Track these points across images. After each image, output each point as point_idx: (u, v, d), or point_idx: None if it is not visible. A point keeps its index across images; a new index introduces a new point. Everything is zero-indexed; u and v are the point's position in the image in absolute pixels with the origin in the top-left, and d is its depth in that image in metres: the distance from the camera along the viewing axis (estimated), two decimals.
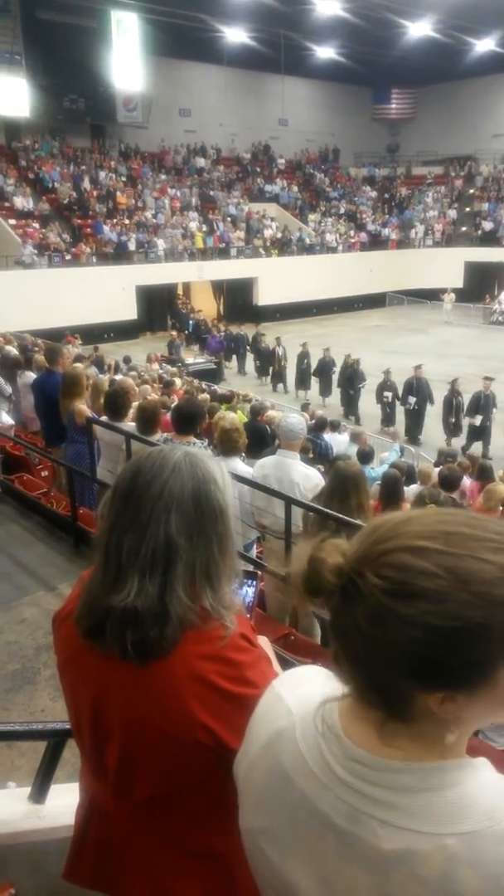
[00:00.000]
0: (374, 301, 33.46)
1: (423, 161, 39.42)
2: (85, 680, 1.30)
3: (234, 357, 22.84)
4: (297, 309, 30.10)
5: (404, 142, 41.14)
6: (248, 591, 1.79)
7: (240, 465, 5.10)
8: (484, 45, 31.44)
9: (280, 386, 20.17)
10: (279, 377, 20.27)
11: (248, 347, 22.44)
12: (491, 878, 0.73)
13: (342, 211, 36.49)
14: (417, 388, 15.18)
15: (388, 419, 16.21)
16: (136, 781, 1.26)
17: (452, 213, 36.60)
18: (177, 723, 1.20)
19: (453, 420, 14.71)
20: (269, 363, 20.80)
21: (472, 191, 37.14)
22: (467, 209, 36.37)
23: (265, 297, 30.13)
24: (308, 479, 4.77)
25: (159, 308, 28.36)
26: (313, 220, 34.74)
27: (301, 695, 0.97)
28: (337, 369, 18.09)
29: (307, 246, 32.37)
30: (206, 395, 11.14)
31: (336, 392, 18.11)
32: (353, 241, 34.31)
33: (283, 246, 31.57)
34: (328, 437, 10.02)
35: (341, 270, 32.08)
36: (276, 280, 29.76)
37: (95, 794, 1.37)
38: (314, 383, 18.89)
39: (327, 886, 0.82)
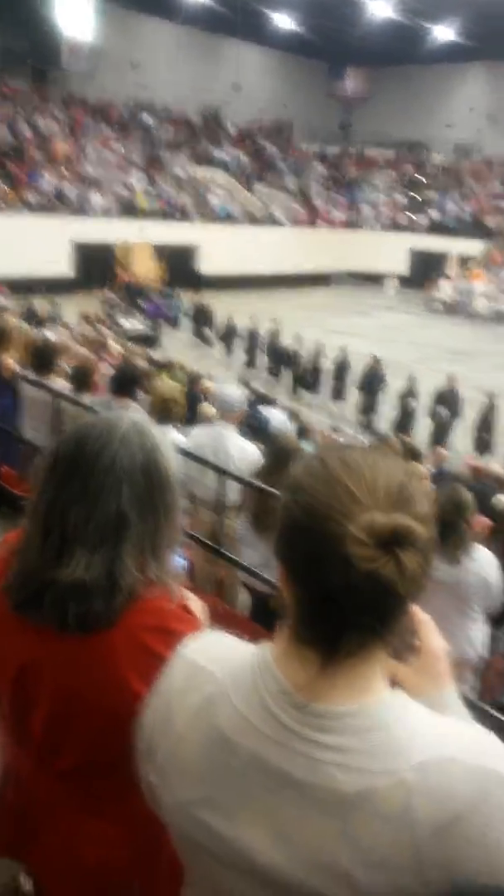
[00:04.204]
0: (318, 280, 33.39)
1: (376, 142, 39.32)
2: (11, 649, 1.26)
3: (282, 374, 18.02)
4: (240, 281, 29.68)
5: (357, 122, 41.01)
6: (178, 560, 1.78)
7: (174, 434, 4.97)
8: (443, 33, 31.65)
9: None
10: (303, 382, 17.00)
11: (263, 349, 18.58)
12: (439, 803, 0.78)
13: (291, 185, 36.21)
14: (450, 401, 13.76)
15: (403, 426, 14.02)
16: (64, 750, 1.24)
17: (401, 199, 36.84)
18: (115, 695, 1.17)
19: (487, 436, 13.40)
20: (287, 365, 17.38)
21: (421, 178, 37.43)
22: (416, 196, 36.67)
23: (208, 265, 29.65)
24: (244, 453, 4.67)
25: (97, 266, 27.57)
26: (261, 191, 34.35)
27: (219, 659, 0.96)
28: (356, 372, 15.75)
29: (253, 218, 32.04)
30: (143, 362, 10.88)
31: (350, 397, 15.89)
32: (300, 216, 34.13)
33: (223, 216, 31.12)
34: (265, 411, 9.95)
35: (287, 246, 31.89)
36: (221, 249, 29.32)
37: (14, 761, 1.34)
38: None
39: (286, 841, 0.83)
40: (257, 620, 4.14)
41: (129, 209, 28.05)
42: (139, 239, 27.26)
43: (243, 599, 4.74)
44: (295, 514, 0.84)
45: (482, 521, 5.19)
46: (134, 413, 1.39)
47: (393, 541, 0.78)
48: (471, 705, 0.94)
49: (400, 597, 0.81)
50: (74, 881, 1.30)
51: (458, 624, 3.60)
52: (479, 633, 3.77)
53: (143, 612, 1.22)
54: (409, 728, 0.82)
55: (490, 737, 0.87)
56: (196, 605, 1.40)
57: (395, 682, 0.91)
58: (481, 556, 3.70)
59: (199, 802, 0.89)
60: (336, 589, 0.79)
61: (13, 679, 1.26)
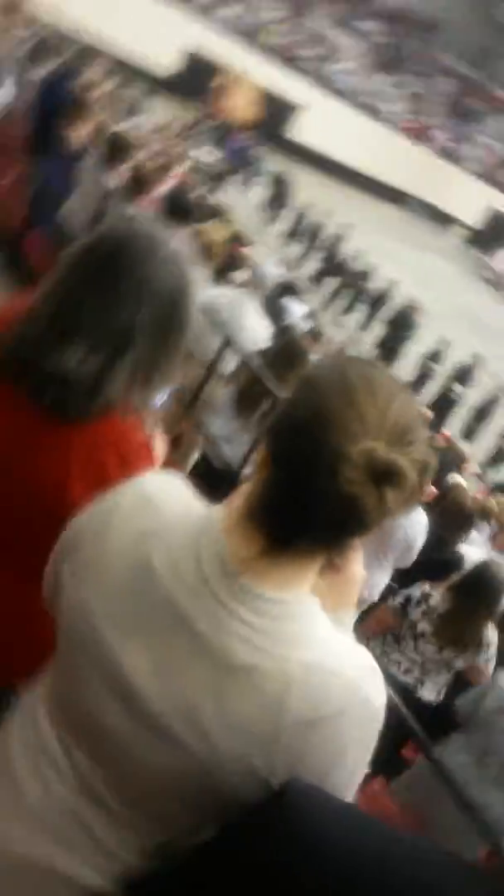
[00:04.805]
0: (392, 194, 31.71)
1: None
2: None
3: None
4: (327, 164, 28.18)
5: (500, 54, 37.33)
6: (160, 400, 1.84)
7: (201, 283, 4.93)
8: None
9: None
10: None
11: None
12: (312, 701, 0.84)
13: (411, 88, 33.73)
14: (467, 380, 13.19)
15: (415, 387, 13.02)
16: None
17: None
18: (54, 496, 1.20)
19: (475, 424, 13.04)
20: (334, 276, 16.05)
21: None
22: None
23: (301, 133, 28.02)
24: (255, 330, 4.67)
25: (200, 81, 25.81)
26: (382, 81, 31.98)
27: (172, 503, 0.97)
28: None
29: (364, 105, 30.03)
30: (198, 198, 10.41)
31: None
32: (404, 124, 32.07)
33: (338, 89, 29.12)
34: (287, 302, 9.82)
35: (383, 149, 30.12)
36: (319, 122, 27.63)
37: None
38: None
39: (165, 675, 0.88)
40: (195, 483, 4.31)
41: (250, 35, 26.06)
42: (243, 71, 25.54)
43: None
44: (300, 412, 0.86)
45: (432, 491, 5.39)
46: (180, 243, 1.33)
47: (383, 477, 0.80)
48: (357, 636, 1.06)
49: (367, 525, 0.84)
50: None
51: (370, 566, 3.84)
52: (382, 581, 4.02)
53: (111, 430, 1.23)
54: (311, 629, 0.88)
55: (373, 663, 0.93)
56: (160, 445, 1.41)
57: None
58: (416, 519, 3.88)
59: (101, 612, 0.92)
60: (312, 496, 0.82)
61: None
